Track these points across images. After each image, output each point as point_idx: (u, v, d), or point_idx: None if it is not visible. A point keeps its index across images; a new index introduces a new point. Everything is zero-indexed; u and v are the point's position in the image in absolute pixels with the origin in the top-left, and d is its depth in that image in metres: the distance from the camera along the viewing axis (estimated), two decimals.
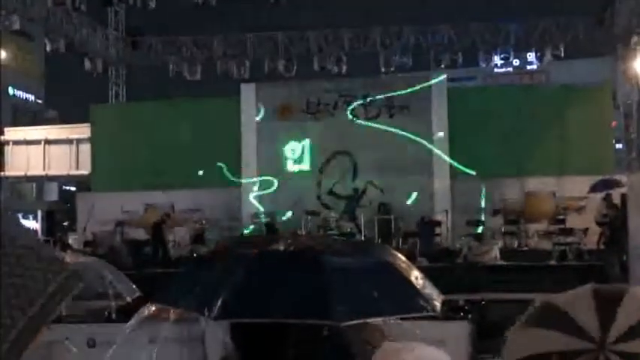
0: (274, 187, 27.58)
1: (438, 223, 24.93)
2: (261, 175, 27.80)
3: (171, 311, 7.61)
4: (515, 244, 23.82)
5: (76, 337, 10.24)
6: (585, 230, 22.56)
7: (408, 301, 7.50)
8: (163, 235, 23.92)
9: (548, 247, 22.64)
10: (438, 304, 7.57)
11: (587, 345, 1.53)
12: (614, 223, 21.28)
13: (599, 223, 22.19)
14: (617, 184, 22.57)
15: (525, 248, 23.57)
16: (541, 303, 1.64)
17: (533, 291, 12.17)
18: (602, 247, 21.77)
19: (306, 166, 27.73)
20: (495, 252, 22.18)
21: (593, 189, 23.39)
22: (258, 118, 27.98)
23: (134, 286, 9.99)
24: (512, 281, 17.68)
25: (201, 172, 27.15)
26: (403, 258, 8.76)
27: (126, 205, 26.37)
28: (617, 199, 21.85)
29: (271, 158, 27.72)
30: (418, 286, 7.68)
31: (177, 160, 27.61)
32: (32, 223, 38.04)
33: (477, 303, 13.29)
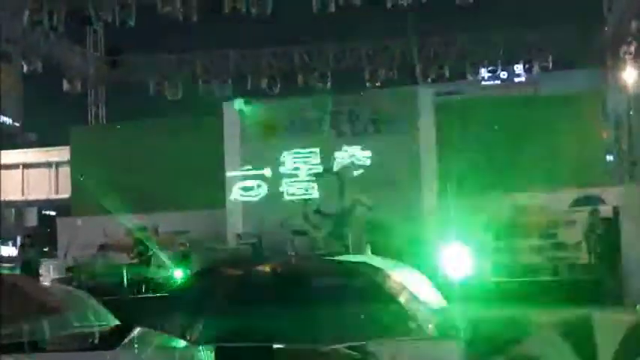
0: (260, 207, 27.53)
1: (427, 240, 24.89)
2: (245, 195, 27.77)
3: (156, 336, 7.62)
4: (506, 260, 23.84)
5: None
6: (578, 244, 22.63)
7: (396, 324, 7.54)
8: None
9: (540, 262, 22.69)
10: (430, 326, 7.59)
11: None
12: (604, 236, 21.39)
13: (587, 237, 22.31)
14: (599, 200, 22.85)
15: (516, 264, 23.58)
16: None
17: (525, 307, 12.19)
18: (593, 261, 21.85)
19: (291, 185, 27.71)
20: (487, 268, 22.22)
21: (576, 203, 23.74)
22: (241, 138, 27.95)
23: (111, 316, 10.01)
24: (504, 298, 17.72)
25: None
26: (396, 278, 8.77)
27: (108, 228, 26.29)
28: (606, 212, 22.02)
29: (256, 178, 27.71)
30: (408, 308, 7.71)
31: (160, 182, 27.57)
32: (11, 250, 37.87)
33: (469, 321, 13.28)
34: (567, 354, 8.88)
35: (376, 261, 12.23)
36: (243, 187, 27.81)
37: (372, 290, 8.44)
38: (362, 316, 7.55)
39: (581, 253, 22.41)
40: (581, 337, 8.85)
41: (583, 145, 26.73)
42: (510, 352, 9.99)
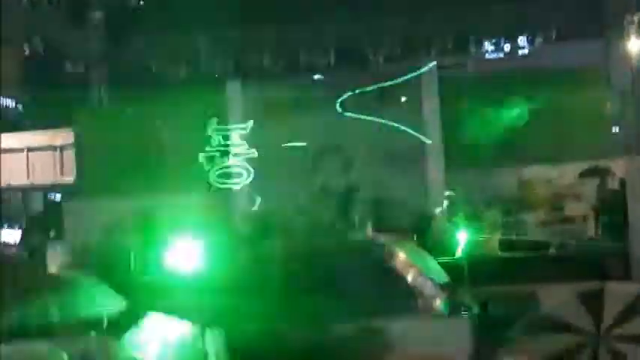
0: (265, 186, 27.53)
1: (434, 216, 24.96)
2: (250, 174, 27.79)
3: (169, 319, 7.66)
4: (513, 235, 23.86)
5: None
6: (584, 217, 22.64)
7: (405, 301, 7.60)
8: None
9: (548, 237, 22.69)
10: (438, 303, 7.67)
11: (585, 338, 1.58)
12: (611, 208, 21.36)
13: (595, 210, 22.30)
14: (607, 172, 22.74)
15: (524, 239, 23.59)
16: (529, 316, 1.69)
17: (534, 283, 12.22)
18: (599, 234, 21.85)
19: (296, 163, 27.69)
20: (494, 244, 22.27)
21: (583, 175, 23.63)
22: (244, 117, 27.94)
23: (117, 298, 10.04)
24: (512, 273, 17.71)
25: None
26: (402, 255, 8.82)
27: (113, 212, 26.28)
28: (613, 184, 21.95)
29: (260, 156, 27.70)
30: (416, 286, 7.78)
31: (164, 163, 27.56)
32: (17, 233, 37.90)
33: (477, 297, 13.32)
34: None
35: (380, 238, 12.28)
36: (248, 165, 27.82)
37: (378, 268, 8.46)
38: (370, 295, 7.59)
39: (587, 227, 22.43)
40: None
41: (589, 117, 26.66)
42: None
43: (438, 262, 11.66)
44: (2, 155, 32.02)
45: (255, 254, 7.99)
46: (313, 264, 8.04)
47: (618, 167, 23.36)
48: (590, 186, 23.23)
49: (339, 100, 27.63)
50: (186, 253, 10.94)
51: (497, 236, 22.93)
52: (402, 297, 8.11)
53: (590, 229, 22.45)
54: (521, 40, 39.33)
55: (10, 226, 40.96)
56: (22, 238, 31.81)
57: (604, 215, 21.76)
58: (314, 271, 7.67)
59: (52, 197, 38.72)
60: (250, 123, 27.50)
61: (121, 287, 10.18)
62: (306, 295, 7.41)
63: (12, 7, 27.74)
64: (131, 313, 9.02)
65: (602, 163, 24.50)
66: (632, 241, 19.14)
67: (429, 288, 7.98)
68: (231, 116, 28.04)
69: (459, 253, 22.15)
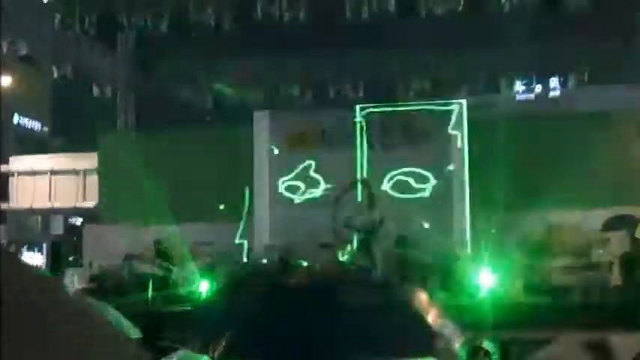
0: (288, 219, 27.52)
1: (458, 257, 24.85)
2: (274, 206, 27.82)
3: (178, 351, 7.65)
4: (539, 280, 23.69)
5: None
6: (610, 265, 22.48)
7: (423, 342, 7.57)
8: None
9: (572, 283, 22.55)
10: (456, 345, 7.64)
11: None
12: (633, 259, 21.26)
13: (621, 258, 22.16)
14: (633, 220, 22.67)
15: (549, 284, 23.41)
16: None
17: (556, 330, 12.14)
18: (626, 283, 21.70)
19: (320, 197, 27.70)
20: (518, 288, 22.18)
21: (607, 226, 23.53)
22: (271, 147, 28.03)
23: (135, 328, 10.07)
24: (535, 319, 17.61)
25: (222, 207, 26.97)
26: (422, 295, 8.83)
27: (134, 238, 26.40)
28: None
29: (285, 188, 27.74)
30: (436, 326, 7.77)
31: (187, 192, 27.67)
32: (38, 257, 38.10)
33: (499, 342, 13.26)
34: None
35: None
36: (271, 197, 27.86)
37: (399, 307, 8.46)
38: (388, 334, 7.57)
39: (613, 275, 22.27)
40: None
41: (619, 163, 26.59)
42: None
43: (461, 303, 11.64)
44: (25, 177, 32.31)
45: (271, 287, 7.99)
46: (332, 300, 8.03)
47: None
48: (618, 233, 23.10)
49: (367, 136, 27.67)
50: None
51: (522, 280, 22.82)
52: (422, 337, 8.10)
53: (616, 278, 22.28)
54: (553, 82, 39.36)
55: (31, 249, 41.22)
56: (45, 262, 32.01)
57: (630, 264, 21.61)
58: (333, 307, 7.66)
59: (73, 221, 38.97)
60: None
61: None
62: (324, 333, 7.40)
63: (42, 30, 28.04)
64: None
65: (629, 210, 24.39)
66: None
67: (449, 330, 7.95)
68: (257, 147, 28.11)
69: (482, 295, 22.07)
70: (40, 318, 1.45)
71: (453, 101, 29.26)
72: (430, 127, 27.43)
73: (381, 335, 7.68)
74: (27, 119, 58.58)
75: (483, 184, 26.10)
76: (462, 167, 26.96)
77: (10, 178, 32.21)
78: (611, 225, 23.66)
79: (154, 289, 23.56)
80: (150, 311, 20.72)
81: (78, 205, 32.43)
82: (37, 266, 31.23)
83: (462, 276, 24.46)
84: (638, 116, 28.68)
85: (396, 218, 26.06)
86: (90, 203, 31.15)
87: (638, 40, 29.66)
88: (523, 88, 38.34)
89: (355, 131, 27.76)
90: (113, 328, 1.47)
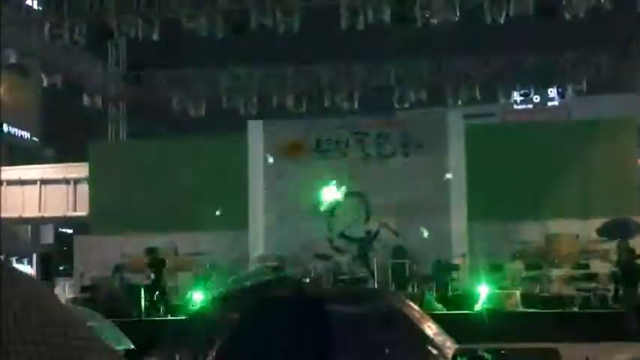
0: (283, 229, 27.46)
1: (455, 267, 24.86)
2: (268, 217, 27.78)
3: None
4: (537, 290, 23.72)
5: None
6: (610, 275, 22.51)
7: (417, 352, 7.58)
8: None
9: (571, 293, 22.59)
10: (449, 356, 7.65)
11: None
12: (627, 268, 21.31)
13: (620, 268, 22.17)
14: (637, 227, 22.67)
15: (547, 294, 23.42)
16: None
17: (555, 340, 12.16)
18: (625, 293, 21.73)
19: (316, 207, 27.66)
20: (516, 298, 22.20)
21: (602, 233, 23.52)
22: (265, 157, 28.00)
23: (126, 339, 10.08)
24: (534, 329, 17.63)
25: (218, 212, 26.79)
26: (415, 306, 8.86)
27: (126, 248, 26.38)
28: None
29: (279, 199, 27.68)
30: (430, 336, 7.79)
31: (179, 201, 27.63)
32: (27, 268, 38.09)
33: (496, 353, 13.25)
34: None
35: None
36: (266, 207, 27.82)
37: (394, 317, 8.46)
38: (382, 344, 7.57)
39: (612, 285, 22.30)
40: None
41: (617, 171, 26.63)
42: None
43: (458, 313, 11.66)
44: (15, 187, 32.25)
45: (266, 298, 7.99)
46: (328, 311, 8.04)
47: None
48: (616, 242, 23.12)
49: (363, 146, 27.68)
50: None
51: (520, 290, 22.85)
52: (418, 348, 8.11)
53: (612, 287, 22.32)
54: (552, 92, 39.41)
55: (19, 261, 41.16)
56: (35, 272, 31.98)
57: (629, 274, 21.64)
58: (328, 319, 7.67)
59: (64, 231, 38.95)
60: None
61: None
62: (319, 344, 7.40)
63: (31, 39, 28.03)
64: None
65: (630, 217, 24.31)
66: None
67: (442, 339, 7.96)
68: (252, 156, 28.07)
69: (479, 306, 22.09)
70: (25, 326, 1.45)
71: (450, 111, 29.33)
72: (426, 136, 27.45)
73: (374, 346, 7.69)
74: (16, 129, 58.54)
75: (481, 194, 26.11)
76: (459, 177, 26.93)
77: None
78: (606, 231, 23.60)
79: (144, 300, 23.57)
80: (141, 321, 20.75)
81: (68, 214, 32.36)
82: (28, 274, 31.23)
83: (459, 286, 24.49)
84: (636, 125, 28.75)
85: (391, 228, 26.07)
86: (81, 213, 31.10)
87: (631, 49, 29.74)
88: (521, 97, 38.38)
89: (350, 141, 27.76)
90: (102, 341, 1.45)
